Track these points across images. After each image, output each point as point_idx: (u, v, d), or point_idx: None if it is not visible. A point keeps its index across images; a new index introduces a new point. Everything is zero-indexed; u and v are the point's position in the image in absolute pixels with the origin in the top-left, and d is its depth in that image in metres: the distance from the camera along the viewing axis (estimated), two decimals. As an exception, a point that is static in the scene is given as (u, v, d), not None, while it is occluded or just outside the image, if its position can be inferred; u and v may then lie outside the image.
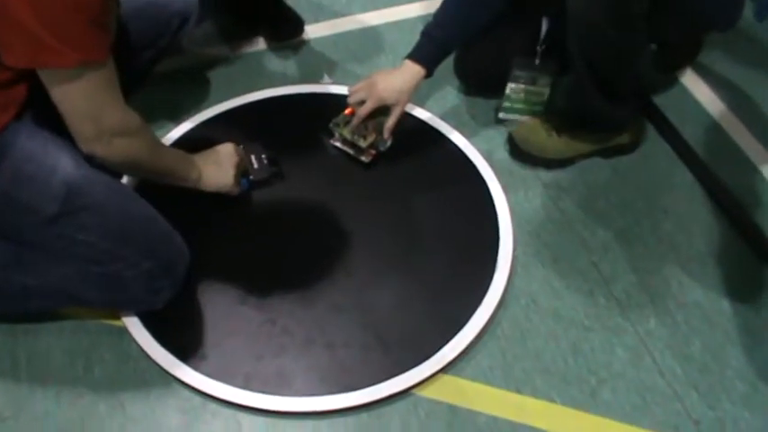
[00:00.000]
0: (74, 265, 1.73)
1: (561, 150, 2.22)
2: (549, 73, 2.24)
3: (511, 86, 2.29)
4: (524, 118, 2.32)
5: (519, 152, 2.25)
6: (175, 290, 1.82)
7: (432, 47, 2.10)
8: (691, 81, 2.50)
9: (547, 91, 2.27)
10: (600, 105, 2.09)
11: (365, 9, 2.80)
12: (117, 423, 1.73)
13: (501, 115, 2.36)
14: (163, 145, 2.00)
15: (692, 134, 2.32)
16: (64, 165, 1.65)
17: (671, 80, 2.51)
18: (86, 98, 1.55)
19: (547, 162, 2.23)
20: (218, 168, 2.01)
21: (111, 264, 1.72)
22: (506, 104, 2.34)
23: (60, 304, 1.89)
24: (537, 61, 2.26)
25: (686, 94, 2.47)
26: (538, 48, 2.25)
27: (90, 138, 1.61)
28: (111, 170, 1.81)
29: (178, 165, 1.92)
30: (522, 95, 2.31)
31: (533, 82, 2.27)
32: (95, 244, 1.69)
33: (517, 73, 2.26)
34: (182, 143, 2.25)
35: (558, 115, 2.23)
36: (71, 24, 1.43)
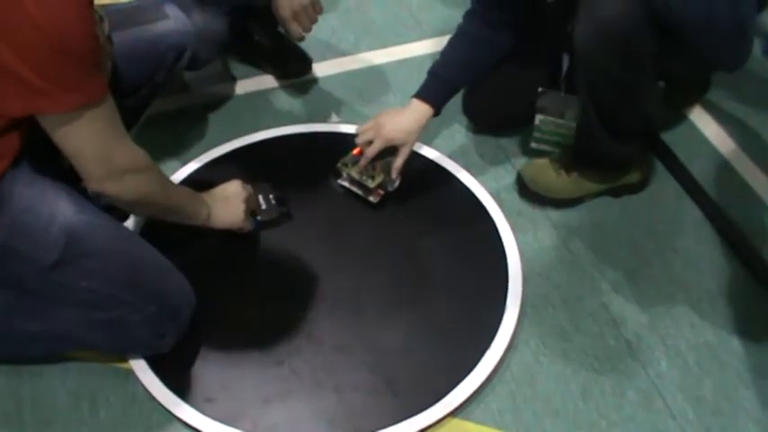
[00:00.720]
0: (77, 310, 1.72)
1: (570, 189, 2.21)
2: (575, 106, 2.22)
3: (539, 118, 2.28)
4: (555, 150, 2.31)
5: (528, 191, 2.24)
6: (181, 334, 1.81)
7: (439, 85, 2.10)
8: (699, 118, 2.50)
9: (575, 124, 2.26)
10: (608, 144, 2.09)
11: (373, 47, 2.81)
12: (122, 467, 1.72)
13: (533, 145, 2.36)
14: (172, 182, 1.99)
15: (700, 172, 2.31)
16: (63, 211, 1.64)
17: (679, 117, 2.50)
18: (91, 139, 1.54)
19: (556, 202, 2.22)
20: (228, 205, 2.00)
21: (115, 309, 1.71)
22: (537, 134, 2.33)
23: (64, 348, 1.88)
24: (563, 93, 2.26)
25: (695, 132, 2.46)
26: (561, 82, 2.25)
27: (100, 177, 1.60)
28: (119, 211, 1.81)
29: (188, 202, 1.91)
30: (551, 127, 2.30)
31: (561, 114, 2.27)
32: (98, 290, 1.68)
33: (543, 105, 2.26)
34: (188, 183, 2.25)
35: (567, 154, 2.23)
36: (61, 67, 1.41)
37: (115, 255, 1.71)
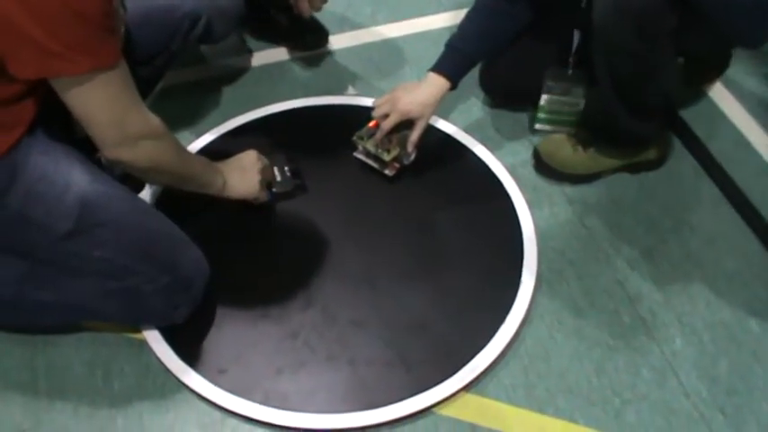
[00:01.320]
0: (90, 280, 1.72)
1: (587, 165, 2.19)
2: (583, 83, 2.21)
3: (545, 97, 2.27)
4: (560, 129, 2.29)
5: (544, 167, 2.23)
6: (194, 305, 1.81)
7: (456, 59, 2.08)
8: (719, 95, 2.47)
9: (582, 102, 2.24)
10: (626, 121, 2.07)
11: (389, 20, 2.79)
12: (135, 437, 1.73)
13: (537, 126, 2.34)
14: (187, 150, 1.98)
15: (719, 149, 2.29)
16: (78, 181, 1.64)
17: (698, 94, 2.48)
18: (105, 104, 1.53)
19: (572, 177, 2.21)
20: (243, 175, 1.99)
21: (129, 279, 1.71)
22: (541, 115, 2.32)
23: (78, 319, 1.88)
24: (570, 72, 2.24)
25: (714, 109, 2.43)
26: (570, 59, 2.23)
27: (114, 143, 1.59)
28: (134, 182, 1.80)
29: (203, 170, 1.90)
30: (556, 106, 2.29)
31: (567, 93, 2.25)
32: (112, 260, 1.68)
33: (550, 83, 2.24)
34: (203, 154, 2.23)
35: (584, 130, 2.21)
36: (76, 30, 1.41)
37: (129, 225, 1.71)
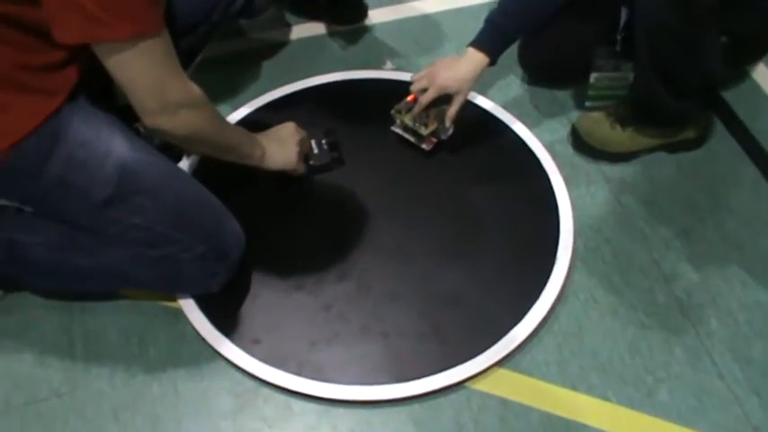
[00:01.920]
0: (128, 247, 1.74)
1: (625, 144, 2.18)
2: (631, 57, 2.19)
3: (595, 75, 2.26)
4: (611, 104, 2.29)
5: (582, 144, 2.22)
6: (230, 274, 1.82)
7: (496, 35, 2.07)
8: (761, 76, 2.44)
9: (631, 75, 2.22)
10: (667, 100, 2.05)
11: (429, -5, 2.79)
12: (169, 404, 1.74)
13: (588, 104, 2.34)
14: (226, 120, 1.99)
15: (760, 130, 2.26)
16: (118, 148, 1.65)
17: (741, 75, 2.45)
18: (146, 71, 1.54)
19: (610, 155, 2.20)
20: (282, 146, 2.00)
21: (166, 247, 1.72)
22: (591, 93, 2.31)
23: (116, 286, 1.91)
24: (618, 48, 2.22)
25: (756, 89, 2.41)
26: (618, 36, 2.22)
27: (154, 111, 1.60)
28: (173, 151, 1.81)
29: (242, 141, 1.91)
30: (606, 82, 2.28)
31: (617, 68, 2.25)
32: (150, 227, 1.70)
33: (599, 62, 2.24)
34: (242, 126, 2.24)
35: (623, 108, 2.19)
36: None
37: (167, 193, 1.72)
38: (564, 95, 2.39)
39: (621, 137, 2.17)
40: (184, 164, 2.12)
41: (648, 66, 2.00)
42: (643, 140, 2.18)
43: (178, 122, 1.64)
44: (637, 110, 2.16)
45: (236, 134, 1.91)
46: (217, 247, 1.77)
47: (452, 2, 2.74)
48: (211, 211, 1.80)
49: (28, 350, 1.84)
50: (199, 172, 2.12)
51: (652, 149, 2.21)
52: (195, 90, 1.67)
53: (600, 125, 2.19)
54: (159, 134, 1.69)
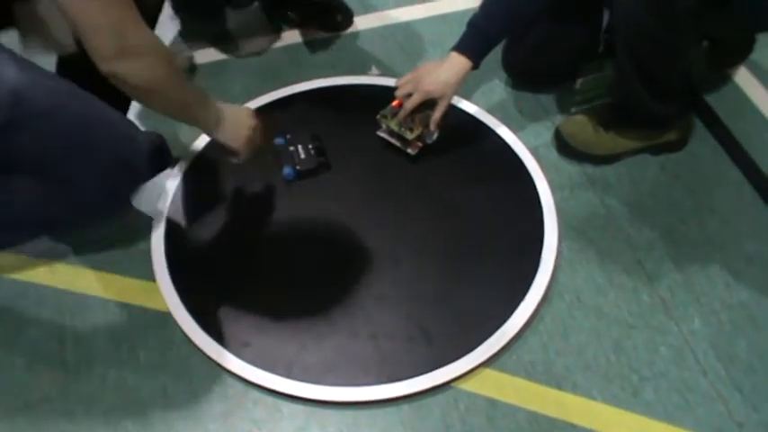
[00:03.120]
0: (31, 176, 1.69)
1: (608, 146, 2.20)
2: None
3: (580, 81, 2.28)
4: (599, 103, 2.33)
5: (566, 148, 2.24)
6: (138, 186, 1.81)
7: (478, 39, 2.09)
8: (742, 79, 2.47)
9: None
10: (647, 102, 2.08)
11: (413, 1, 2.80)
12: (159, 408, 1.75)
13: (573, 110, 2.36)
14: (185, 78, 1.87)
15: (741, 132, 2.29)
16: (8, 72, 1.57)
17: (722, 78, 2.47)
18: (104, 11, 1.49)
19: (594, 158, 2.22)
20: (236, 124, 1.94)
21: (69, 167, 1.67)
22: (578, 98, 2.34)
23: (32, 234, 1.89)
24: (600, 48, 2.26)
25: (738, 92, 2.43)
26: (601, 37, 2.25)
27: (111, 55, 1.53)
28: (127, 96, 1.72)
29: (201, 103, 1.85)
30: (591, 84, 2.31)
31: (600, 69, 2.28)
32: (49, 148, 1.64)
33: (584, 67, 2.27)
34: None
35: (605, 111, 2.22)
36: None
37: (66, 113, 1.65)
38: (548, 99, 2.41)
39: (604, 139, 2.19)
40: (179, 173, 2.13)
41: (629, 68, 2.02)
42: (626, 143, 2.20)
43: (134, 69, 1.58)
44: (619, 113, 2.18)
45: (195, 94, 1.84)
46: (118, 160, 1.73)
47: (437, 8, 2.76)
48: (109, 125, 1.73)
49: (18, 355, 1.85)
50: (187, 178, 2.14)
51: (635, 152, 2.23)
52: (155, 37, 1.63)
53: (583, 128, 2.22)
54: (114, 82, 1.60)
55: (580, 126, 2.22)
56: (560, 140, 2.25)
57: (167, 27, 2.61)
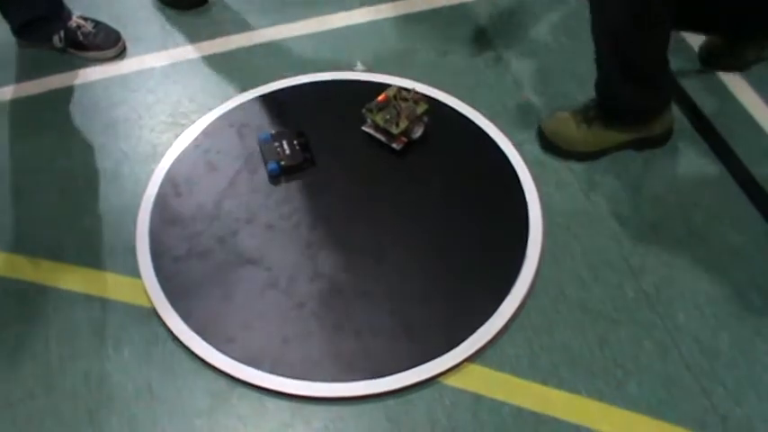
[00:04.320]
0: None
1: (591, 142, 2.21)
2: None
3: None
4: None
5: (550, 145, 2.24)
6: None
7: None
8: (726, 74, 2.47)
9: None
10: (628, 94, 2.08)
11: (399, -3, 2.81)
12: (144, 403, 1.75)
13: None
14: None
15: (724, 126, 2.30)
16: None
17: (705, 73, 2.48)
18: None
19: (578, 155, 2.22)
20: None
21: None
22: None
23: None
24: None
25: (720, 87, 2.43)
26: None
27: None
28: None
29: None
30: None
31: None
32: None
33: None
34: (215, 128, 2.27)
35: (588, 107, 2.22)
36: None
37: None
38: (533, 95, 2.41)
39: (587, 135, 2.19)
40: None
41: (607, 59, 2.03)
42: (609, 137, 2.20)
43: None
44: (601, 107, 2.19)
45: None
46: None
47: (424, 4, 2.76)
48: None
49: (1, 352, 1.84)
50: (172, 171, 2.13)
51: (618, 147, 2.23)
52: None
53: (566, 125, 2.22)
54: None
55: (562, 123, 2.23)
56: (543, 138, 2.25)
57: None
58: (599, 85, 2.17)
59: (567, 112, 2.25)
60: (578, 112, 2.22)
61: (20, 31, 2.57)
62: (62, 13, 2.54)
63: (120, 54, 2.59)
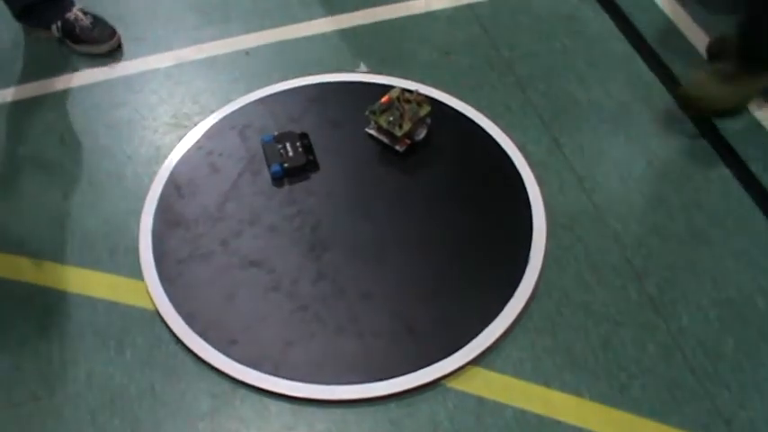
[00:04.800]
0: None
1: (736, 98, 2.30)
2: None
3: None
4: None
5: (690, 107, 2.32)
6: None
7: None
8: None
9: None
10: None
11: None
12: (147, 405, 1.75)
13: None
14: None
15: (730, 129, 2.29)
16: None
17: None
18: None
19: (722, 113, 2.30)
20: None
21: None
22: None
23: None
24: None
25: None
26: None
27: None
28: None
29: None
30: None
31: None
32: None
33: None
34: (221, 126, 2.28)
35: (717, 68, 2.30)
36: None
37: None
38: (536, 95, 2.41)
39: (731, 91, 2.27)
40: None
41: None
42: (751, 85, 2.29)
43: None
44: (743, 54, 2.25)
45: None
46: None
47: (427, 5, 2.76)
48: None
49: (4, 354, 1.84)
50: (175, 174, 2.13)
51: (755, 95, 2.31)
52: None
53: (709, 87, 2.28)
54: None
55: (706, 86, 2.29)
56: (689, 105, 2.33)
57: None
58: (745, 30, 2.22)
59: (703, 75, 2.30)
60: (714, 74, 2.28)
61: (21, 15, 2.59)
62: (64, 1, 2.57)
63: (114, 50, 2.60)
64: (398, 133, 2.16)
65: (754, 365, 1.80)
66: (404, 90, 2.22)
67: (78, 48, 2.58)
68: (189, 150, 2.23)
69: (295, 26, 2.67)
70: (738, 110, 2.28)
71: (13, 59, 2.56)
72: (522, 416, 1.73)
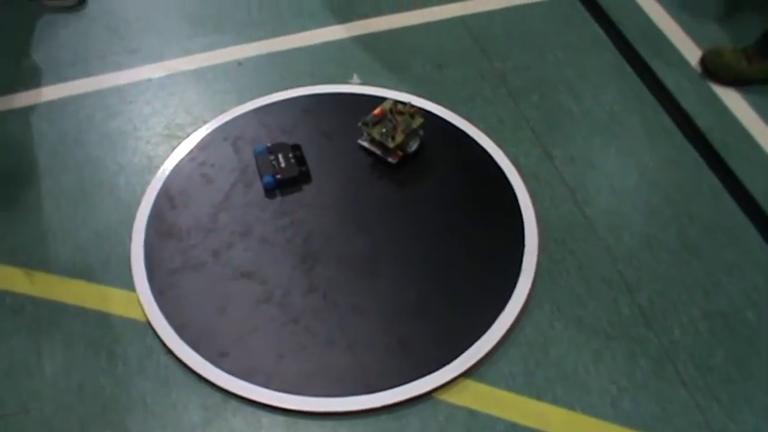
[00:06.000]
0: None
1: (750, 75, 2.42)
2: None
3: None
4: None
5: (711, 74, 2.45)
6: None
7: None
8: (721, 89, 2.48)
9: None
10: None
11: (395, 10, 2.79)
12: (138, 417, 1.75)
13: None
14: None
15: (720, 141, 2.30)
16: None
17: (702, 88, 2.48)
18: None
19: (736, 82, 2.43)
20: None
21: None
22: None
23: None
24: None
25: (717, 102, 2.44)
26: None
27: None
28: None
29: None
30: None
31: None
32: None
33: None
34: (213, 138, 2.28)
35: (744, 48, 2.43)
36: None
37: None
38: (528, 108, 2.41)
39: (749, 69, 2.40)
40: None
41: None
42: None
43: None
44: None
45: None
46: None
47: (419, 17, 2.76)
48: None
49: (-5, 365, 1.84)
50: (167, 185, 2.13)
51: None
52: None
53: (729, 60, 2.44)
54: None
55: (727, 57, 2.44)
56: (708, 71, 2.48)
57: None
58: None
59: (728, 49, 2.43)
60: (737, 50, 2.41)
61: None
62: None
63: (82, 2, 2.73)
64: (391, 145, 2.16)
65: (745, 378, 1.81)
66: (397, 102, 2.23)
67: (48, 2, 2.65)
68: (182, 161, 2.23)
69: (288, 37, 2.67)
70: (754, 82, 2.42)
71: (6, 69, 2.56)
72: (513, 429, 1.73)
